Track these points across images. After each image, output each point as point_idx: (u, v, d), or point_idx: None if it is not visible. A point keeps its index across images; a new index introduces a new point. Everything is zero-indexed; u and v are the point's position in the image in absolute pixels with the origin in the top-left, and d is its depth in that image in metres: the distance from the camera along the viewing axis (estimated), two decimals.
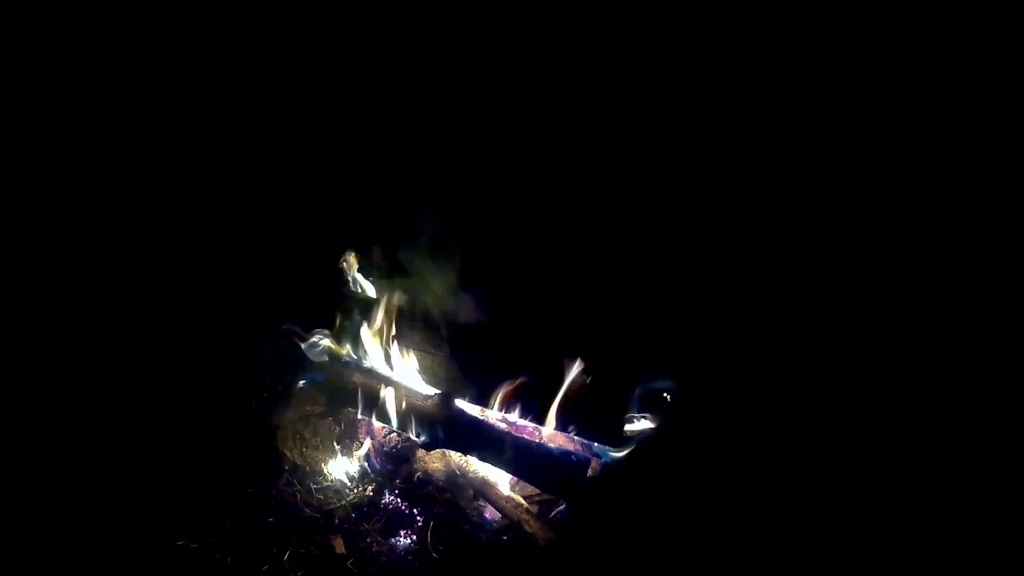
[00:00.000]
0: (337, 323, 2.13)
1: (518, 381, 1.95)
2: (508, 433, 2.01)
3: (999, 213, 2.39)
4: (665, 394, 2.01)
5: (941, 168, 2.49)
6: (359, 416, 2.15)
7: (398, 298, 2.16)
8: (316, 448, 2.12)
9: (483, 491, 2.03)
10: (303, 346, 2.14)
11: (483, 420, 2.04)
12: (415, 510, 2.02)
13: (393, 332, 2.08)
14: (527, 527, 1.93)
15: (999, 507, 1.93)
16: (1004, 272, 2.33)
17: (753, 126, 2.70)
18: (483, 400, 2.02)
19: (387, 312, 2.10)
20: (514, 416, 2.02)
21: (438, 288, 2.11)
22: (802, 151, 2.64)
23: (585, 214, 2.73)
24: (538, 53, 2.85)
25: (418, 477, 2.07)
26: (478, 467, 2.07)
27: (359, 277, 2.28)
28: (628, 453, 1.94)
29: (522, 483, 2.05)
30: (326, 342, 2.13)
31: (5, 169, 2.65)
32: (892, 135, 2.56)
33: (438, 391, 2.04)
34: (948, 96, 2.49)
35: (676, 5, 2.76)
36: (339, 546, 1.96)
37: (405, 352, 2.09)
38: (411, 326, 2.08)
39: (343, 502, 2.04)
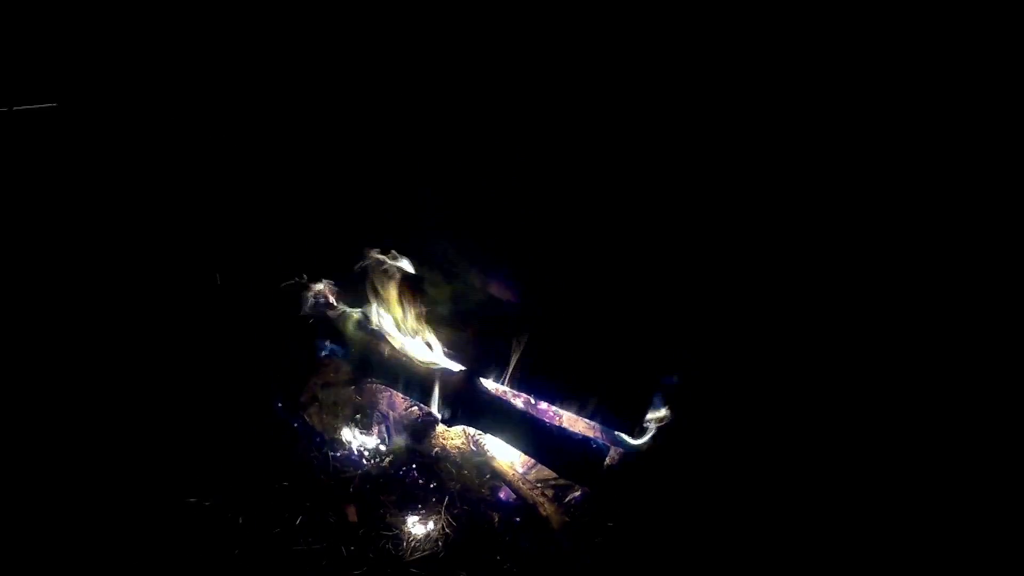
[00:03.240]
0: (365, 293, 2.14)
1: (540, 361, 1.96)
2: (529, 415, 2.02)
3: (999, 213, 2.40)
4: (686, 385, 2.01)
5: (941, 168, 2.48)
6: (381, 387, 2.15)
7: (426, 272, 2.17)
8: (336, 416, 2.12)
9: (499, 471, 2.03)
10: (330, 313, 2.16)
11: (505, 400, 2.04)
12: (431, 485, 2.01)
13: (420, 305, 2.09)
14: (541, 510, 1.93)
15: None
16: (1004, 272, 2.34)
17: (757, 126, 2.69)
18: (506, 379, 2.03)
19: (415, 285, 2.11)
20: (536, 399, 2.04)
21: (467, 265, 2.12)
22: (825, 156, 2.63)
23: (607, 205, 2.73)
24: (540, 54, 2.87)
25: (436, 453, 2.07)
26: (496, 447, 2.08)
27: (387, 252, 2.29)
28: (648, 443, 1.95)
29: (539, 466, 2.05)
30: (353, 311, 2.14)
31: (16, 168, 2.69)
32: (893, 135, 2.56)
33: (462, 367, 2.04)
34: (948, 96, 2.48)
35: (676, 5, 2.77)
36: (352, 515, 1.96)
37: (431, 326, 2.09)
38: (439, 300, 2.09)
39: (359, 472, 2.04)
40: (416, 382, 2.05)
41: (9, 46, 2.70)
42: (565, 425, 2.09)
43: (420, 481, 2.03)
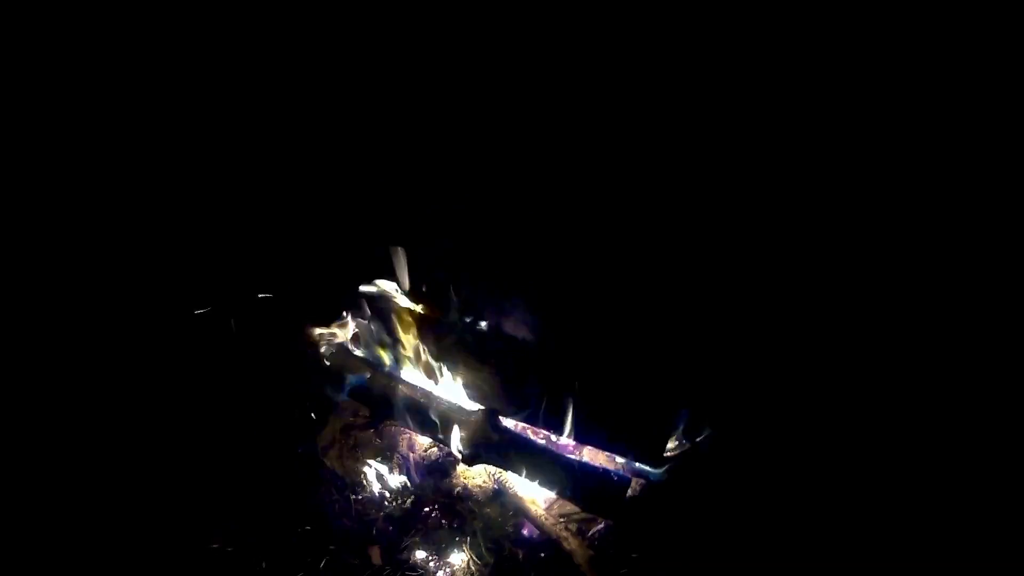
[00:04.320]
0: (382, 333, 2.20)
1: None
2: (549, 451, 2.04)
3: (999, 213, 2.37)
4: (708, 416, 2.05)
5: (942, 168, 2.44)
6: (401, 428, 2.18)
7: (444, 310, 2.24)
8: (357, 459, 2.14)
9: (522, 508, 2.04)
10: (348, 357, 2.22)
11: (525, 437, 2.07)
12: (454, 524, 2.02)
13: (438, 345, 2.14)
14: (565, 544, 1.93)
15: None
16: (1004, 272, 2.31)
17: (758, 128, 2.63)
18: (526, 417, 2.06)
19: (432, 324, 2.17)
20: (556, 434, 2.06)
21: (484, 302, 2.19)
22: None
23: (624, 231, 2.73)
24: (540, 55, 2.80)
25: (458, 492, 2.08)
26: (518, 483, 2.09)
27: (404, 287, 2.34)
28: (669, 474, 1.97)
29: (561, 501, 2.06)
30: (371, 353, 2.20)
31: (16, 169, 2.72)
32: (894, 135, 2.50)
33: (481, 406, 2.09)
34: (948, 96, 2.44)
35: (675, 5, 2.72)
36: (376, 556, 1.96)
37: (450, 365, 2.14)
38: (456, 339, 2.14)
39: (382, 514, 2.05)
40: (436, 422, 2.08)
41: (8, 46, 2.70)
42: (585, 458, 2.11)
43: (443, 521, 2.03)
